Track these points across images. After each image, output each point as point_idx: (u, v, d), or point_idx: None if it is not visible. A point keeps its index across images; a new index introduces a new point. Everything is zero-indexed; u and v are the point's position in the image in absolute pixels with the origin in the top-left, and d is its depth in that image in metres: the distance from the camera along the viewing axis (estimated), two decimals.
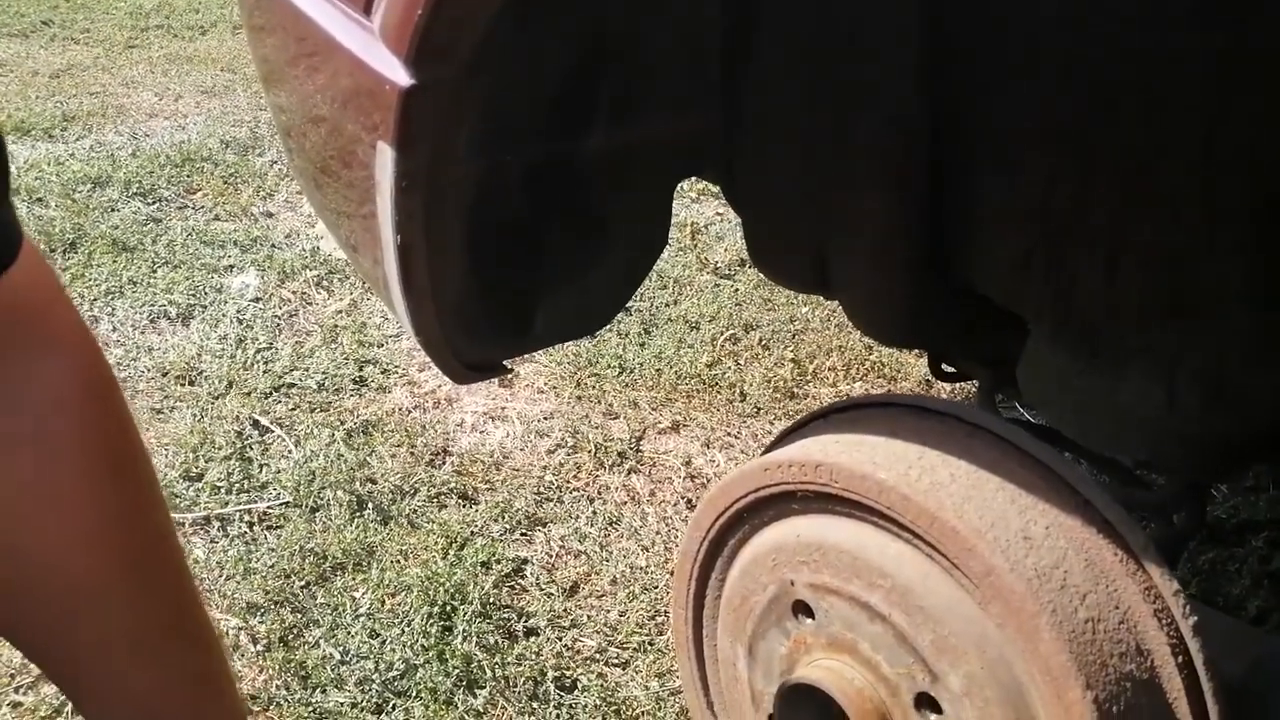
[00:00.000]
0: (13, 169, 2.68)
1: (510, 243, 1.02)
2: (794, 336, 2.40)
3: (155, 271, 2.36)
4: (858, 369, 2.31)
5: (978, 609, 0.68)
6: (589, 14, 0.93)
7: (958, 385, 2.17)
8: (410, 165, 0.87)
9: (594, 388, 2.11)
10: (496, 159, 0.96)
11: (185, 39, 4.15)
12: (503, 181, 0.98)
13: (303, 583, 1.52)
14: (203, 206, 2.68)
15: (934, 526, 0.67)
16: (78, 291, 2.25)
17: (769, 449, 0.88)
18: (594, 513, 1.76)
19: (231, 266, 2.42)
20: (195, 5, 4.54)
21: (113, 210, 2.59)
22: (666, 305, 2.47)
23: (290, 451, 1.80)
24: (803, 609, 0.77)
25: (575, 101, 0.98)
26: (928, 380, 2.32)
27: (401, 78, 0.83)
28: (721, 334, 2.36)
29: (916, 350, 2.02)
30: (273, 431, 1.85)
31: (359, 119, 0.92)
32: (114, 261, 2.36)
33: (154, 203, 2.67)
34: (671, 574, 1.63)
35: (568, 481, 1.83)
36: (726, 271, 2.68)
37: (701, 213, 3.03)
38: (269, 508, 1.67)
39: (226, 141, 3.05)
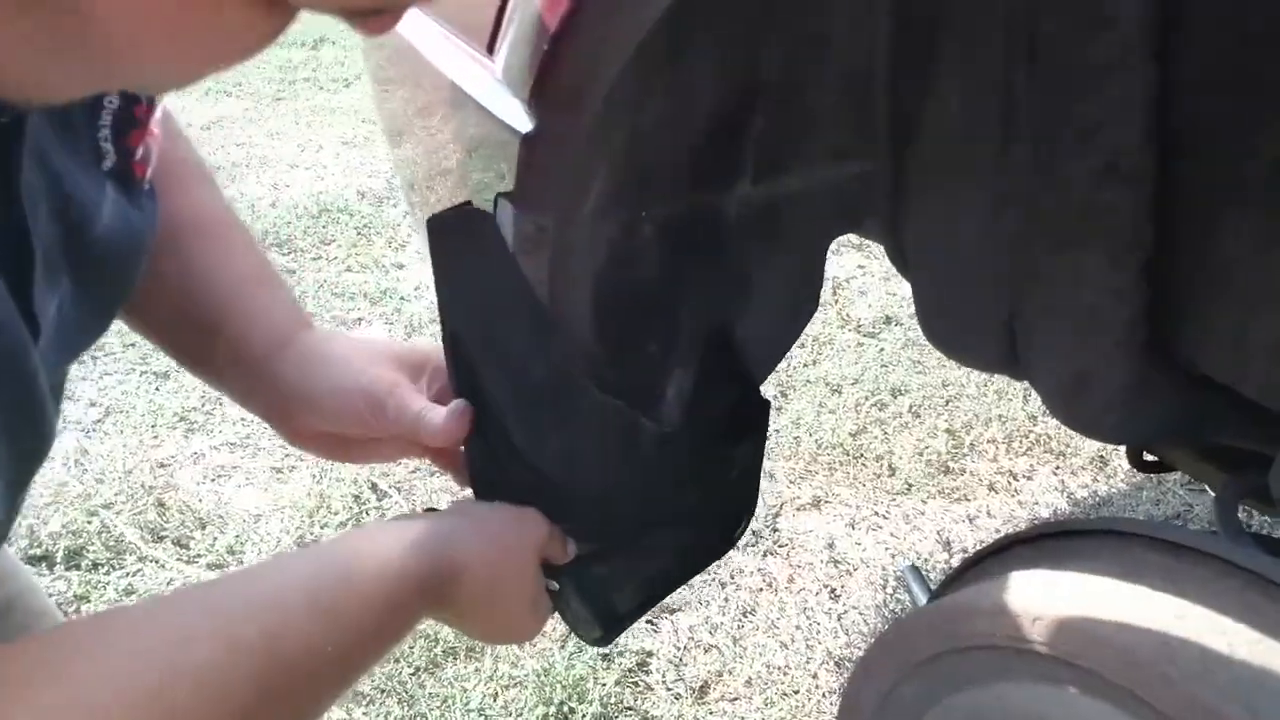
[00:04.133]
0: None
1: (642, 308, 0.88)
2: (947, 403, 2.19)
3: None
4: (1021, 442, 2.08)
5: None
6: (744, 55, 0.79)
7: (1165, 490, 1.92)
8: (532, 221, 0.75)
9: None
10: (630, 216, 0.83)
11: (330, 91, 4.24)
12: (636, 240, 0.84)
13: (412, 669, 1.40)
14: (335, 258, 2.66)
15: None
16: None
17: (955, 579, 0.71)
18: (726, 600, 1.59)
19: (360, 319, 2.37)
20: (341, 58, 4.66)
21: None
22: (805, 366, 2.30)
23: None
24: None
25: (720, 151, 0.84)
26: (1101, 458, 2.07)
27: (523, 124, 0.70)
28: (866, 399, 2.17)
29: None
30: (390, 496, 1.76)
31: (484, 169, 0.80)
32: None
33: (289, 253, 2.66)
34: (814, 677, 1.45)
35: None
36: (870, 329, 2.50)
37: (843, 266, 2.85)
38: None
39: (362, 192, 3.05)
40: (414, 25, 0.90)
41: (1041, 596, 0.56)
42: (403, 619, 0.55)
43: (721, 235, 0.87)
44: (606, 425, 0.81)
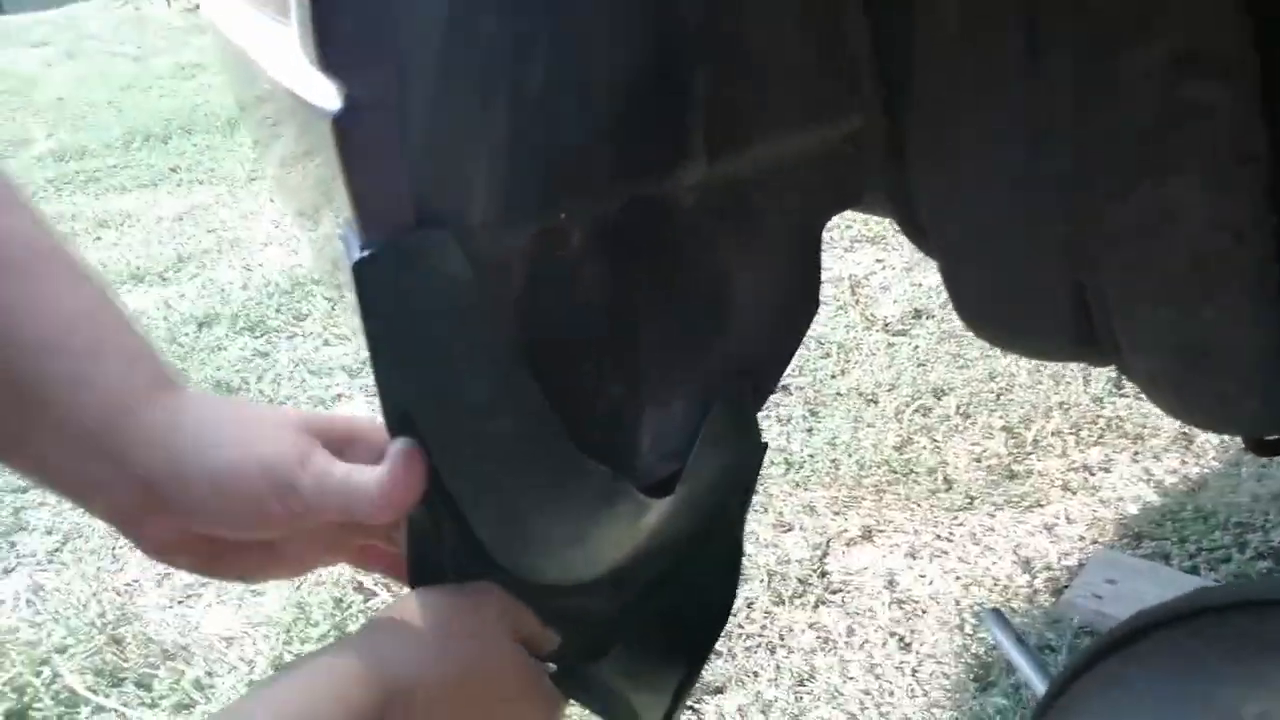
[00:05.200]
0: None
1: (589, 339, 0.65)
2: (999, 397, 1.94)
3: None
4: (1090, 430, 1.83)
5: None
6: None
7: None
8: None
9: (755, 492, 1.72)
10: (546, 220, 0.60)
11: None
12: (562, 252, 0.61)
13: None
14: (311, 333, 2.47)
15: None
16: None
17: (1089, 664, 0.47)
18: (778, 668, 1.35)
19: (339, 395, 2.17)
20: None
21: (219, 350, 2.40)
22: (833, 377, 2.06)
23: None
24: None
25: (655, 122, 0.61)
26: (1185, 435, 1.81)
27: (331, 100, 0.49)
28: (907, 405, 1.93)
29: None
30: (378, 595, 1.54)
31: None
32: None
33: (261, 335, 2.48)
34: None
35: (739, 626, 1.43)
36: (899, 327, 2.26)
37: (858, 262, 2.62)
38: None
39: (336, 261, 2.87)
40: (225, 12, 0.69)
41: None
42: None
43: (679, 232, 0.64)
44: (587, 496, 0.60)
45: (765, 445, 0.71)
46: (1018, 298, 0.69)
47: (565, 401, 0.59)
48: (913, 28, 0.65)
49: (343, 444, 0.53)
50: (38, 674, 1.42)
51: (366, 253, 0.48)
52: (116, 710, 1.36)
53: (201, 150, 4.31)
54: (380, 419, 0.53)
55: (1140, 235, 0.59)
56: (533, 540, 0.58)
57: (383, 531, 0.60)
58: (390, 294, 0.49)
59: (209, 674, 1.42)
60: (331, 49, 0.42)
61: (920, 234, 0.77)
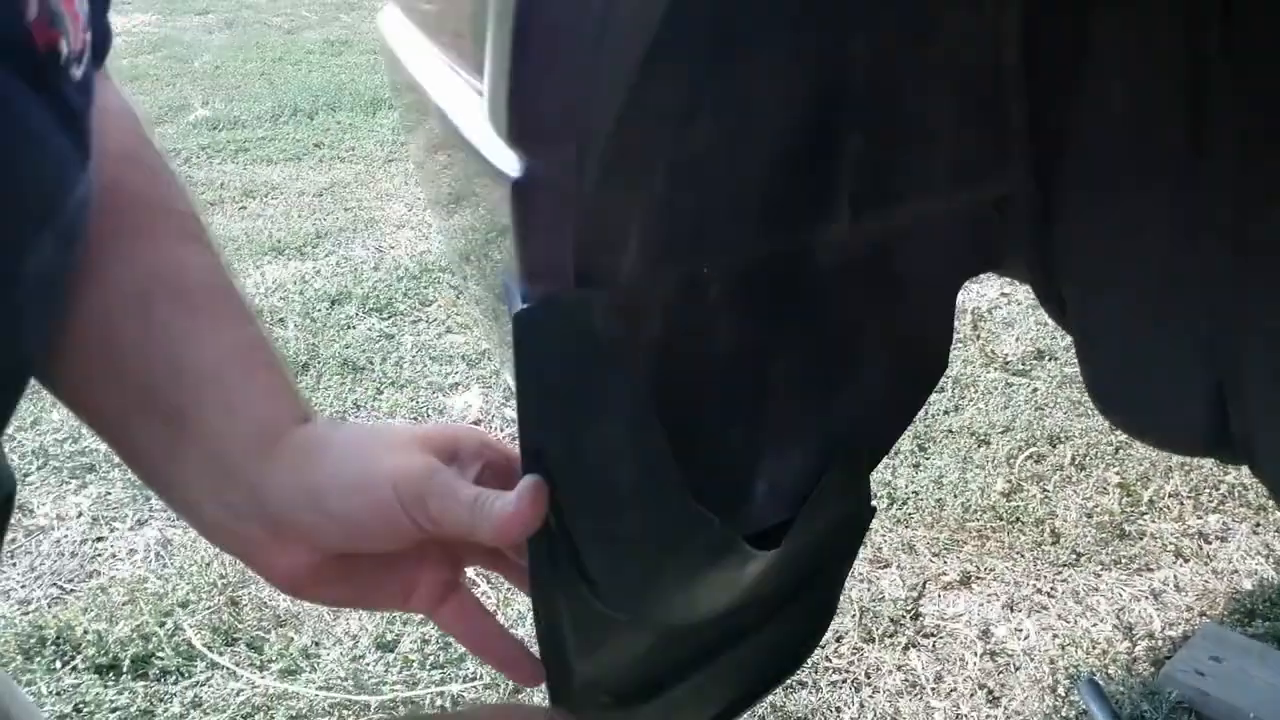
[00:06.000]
0: (261, 289, 2.66)
1: (718, 388, 0.67)
2: (1117, 451, 1.89)
3: (381, 393, 2.22)
4: (1210, 495, 1.76)
5: None
6: (820, 52, 0.59)
7: None
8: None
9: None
10: (688, 272, 0.63)
11: None
12: (701, 303, 0.64)
13: None
14: (435, 319, 2.56)
15: None
16: None
17: None
18: (861, 706, 1.35)
19: (457, 384, 2.24)
20: None
21: (348, 328, 2.51)
22: (945, 414, 2.03)
23: (495, 610, 1.53)
24: None
25: (803, 180, 0.63)
26: None
27: (511, 167, 0.52)
28: (1020, 450, 1.89)
29: None
30: (478, 586, 1.59)
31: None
32: (341, 384, 2.25)
33: (389, 318, 2.57)
34: None
35: (825, 659, 1.43)
36: (1020, 367, 2.21)
37: (983, 295, 2.57)
38: (462, 690, 1.40)
39: (465, 254, 2.95)
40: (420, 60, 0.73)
41: None
42: None
43: (816, 287, 0.66)
44: (698, 545, 0.63)
45: (874, 510, 0.71)
46: (1152, 389, 0.68)
47: (687, 444, 0.62)
48: (1073, 104, 0.66)
49: (450, 451, 0.55)
50: (162, 624, 1.52)
51: (527, 305, 0.51)
52: (229, 668, 1.45)
53: (345, 128, 4.47)
54: (478, 425, 0.56)
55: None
56: (640, 583, 0.60)
57: (486, 551, 0.63)
58: (544, 343, 0.51)
59: (315, 643, 1.50)
60: (524, 130, 0.45)
61: (1057, 307, 0.77)
